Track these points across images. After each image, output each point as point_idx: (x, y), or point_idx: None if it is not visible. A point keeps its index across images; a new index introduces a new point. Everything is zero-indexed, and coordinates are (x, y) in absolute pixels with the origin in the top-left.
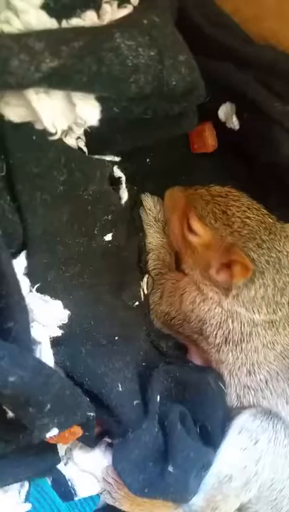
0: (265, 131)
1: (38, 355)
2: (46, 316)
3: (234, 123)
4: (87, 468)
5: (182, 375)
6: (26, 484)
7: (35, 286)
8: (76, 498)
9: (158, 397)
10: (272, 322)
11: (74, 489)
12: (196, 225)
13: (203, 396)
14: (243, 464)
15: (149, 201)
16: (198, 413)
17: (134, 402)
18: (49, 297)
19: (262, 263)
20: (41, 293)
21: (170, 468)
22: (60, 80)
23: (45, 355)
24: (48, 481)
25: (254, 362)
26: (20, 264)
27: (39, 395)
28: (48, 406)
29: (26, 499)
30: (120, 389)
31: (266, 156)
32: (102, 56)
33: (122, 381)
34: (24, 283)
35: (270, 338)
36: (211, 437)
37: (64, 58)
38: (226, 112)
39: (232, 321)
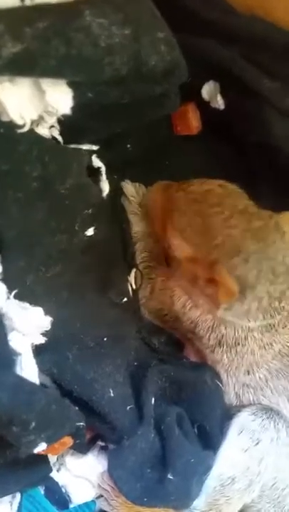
0: (255, 111)
1: (19, 368)
2: (26, 325)
3: (219, 102)
4: (81, 474)
5: (177, 374)
6: (18, 495)
7: (13, 293)
8: (71, 505)
9: (153, 400)
10: (270, 325)
11: (68, 496)
12: (176, 242)
13: (200, 395)
14: (245, 465)
15: (130, 188)
16: (196, 413)
17: (128, 408)
18: (28, 304)
19: (250, 279)
20: (20, 300)
21: (170, 476)
22: (24, 66)
23: (27, 367)
24: (41, 489)
25: (251, 362)
26: None
27: (22, 414)
28: (33, 424)
29: (19, 511)
30: (112, 395)
31: (257, 137)
32: (71, 37)
33: (113, 386)
34: (0, 290)
35: (267, 340)
36: (209, 437)
37: (27, 41)
38: (209, 91)
39: (225, 328)
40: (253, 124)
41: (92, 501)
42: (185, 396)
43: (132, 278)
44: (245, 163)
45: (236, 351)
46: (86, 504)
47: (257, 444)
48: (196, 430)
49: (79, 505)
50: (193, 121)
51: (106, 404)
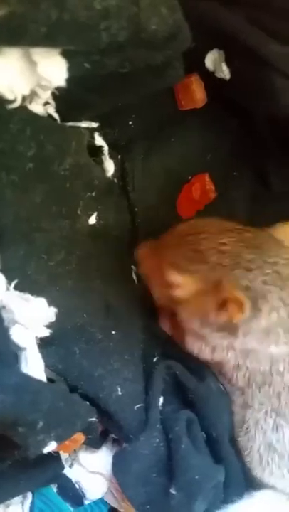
0: (262, 79)
1: (24, 363)
2: (29, 317)
3: (224, 72)
4: (96, 469)
5: (181, 378)
6: (29, 495)
7: (13, 284)
8: (86, 501)
9: (161, 399)
10: None
11: (82, 492)
12: (174, 277)
13: (205, 402)
14: None
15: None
16: (202, 420)
17: (136, 407)
18: (30, 295)
19: (258, 287)
20: (20, 290)
21: (172, 491)
22: (11, 32)
23: (33, 362)
24: (54, 487)
25: (279, 412)
26: None
27: (28, 414)
28: (41, 423)
29: (31, 511)
30: (119, 393)
31: (264, 107)
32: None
33: (121, 383)
34: None
35: None
36: (218, 446)
37: (13, 5)
38: (213, 60)
39: (250, 362)
40: (260, 94)
41: None
42: (189, 401)
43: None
44: (254, 137)
45: (265, 392)
46: (101, 499)
47: None
48: (204, 435)
49: (94, 502)
50: (197, 94)
51: (113, 402)
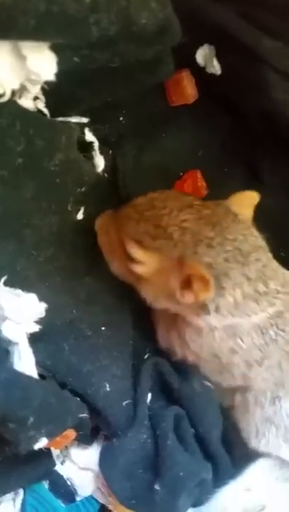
0: (253, 74)
1: (16, 358)
2: (20, 313)
3: (215, 67)
4: (87, 465)
5: (166, 377)
6: (21, 492)
7: (3, 280)
8: (78, 498)
9: (148, 397)
10: (279, 316)
11: (74, 488)
12: (137, 253)
13: (190, 402)
14: None
15: None
16: (188, 417)
17: (124, 403)
18: (20, 290)
19: (220, 264)
20: (11, 286)
21: (156, 486)
22: (0, 24)
23: (25, 356)
24: (45, 484)
25: (278, 382)
26: None
27: (17, 410)
28: (32, 419)
29: (22, 509)
30: (108, 389)
31: (257, 103)
32: None
33: (109, 380)
34: None
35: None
36: (205, 442)
37: None
38: (204, 55)
39: (241, 339)
40: (251, 90)
41: None
42: (176, 399)
43: None
44: (246, 133)
45: (267, 367)
46: (93, 496)
47: (261, 509)
48: (193, 431)
49: (86, 498)
50: (188, 89)
51: (101, 399)
